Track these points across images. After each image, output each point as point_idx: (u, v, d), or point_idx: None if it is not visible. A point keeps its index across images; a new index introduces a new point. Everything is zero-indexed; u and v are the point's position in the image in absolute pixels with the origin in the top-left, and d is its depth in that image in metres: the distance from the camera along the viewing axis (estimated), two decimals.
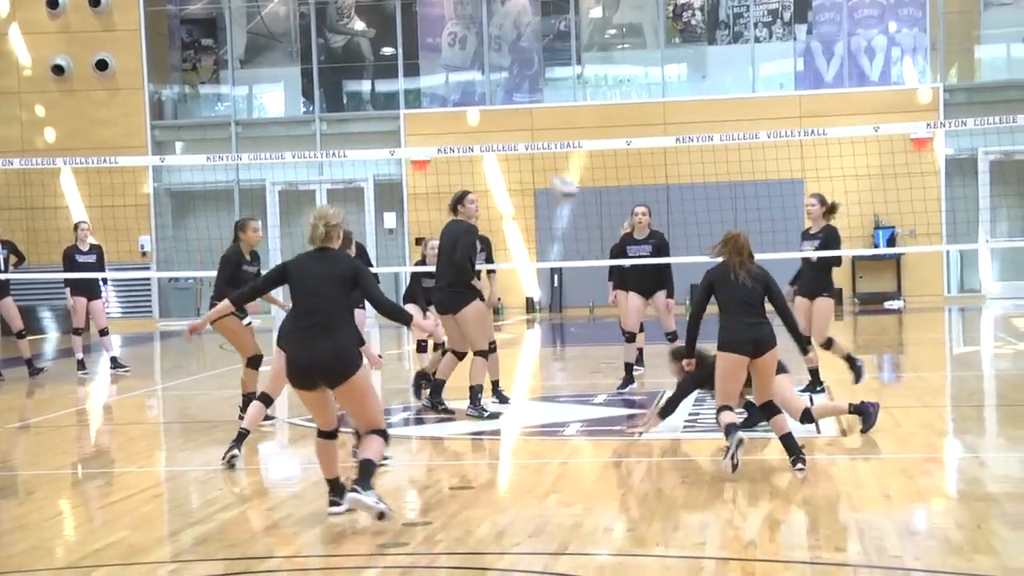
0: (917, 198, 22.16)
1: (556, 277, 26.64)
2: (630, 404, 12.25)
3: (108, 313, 17.25)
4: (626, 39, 29.11)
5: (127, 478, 9.41)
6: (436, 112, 27.99)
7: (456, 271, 11.29)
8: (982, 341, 18.96)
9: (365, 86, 29.75)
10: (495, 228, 25.07)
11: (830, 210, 12.21)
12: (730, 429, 8.51)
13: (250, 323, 11.24)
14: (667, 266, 13.27)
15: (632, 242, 13.27)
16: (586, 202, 24.68)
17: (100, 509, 8.37)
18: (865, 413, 9.88)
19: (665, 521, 7.29)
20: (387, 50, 28.98)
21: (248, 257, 11.23)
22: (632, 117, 25.69)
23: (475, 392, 11.37)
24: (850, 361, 11.83)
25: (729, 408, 8.72)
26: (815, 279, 12.11)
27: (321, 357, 7.27)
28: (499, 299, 11.76)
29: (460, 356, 11.54)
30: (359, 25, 29.44)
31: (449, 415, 11.38)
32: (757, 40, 27.38)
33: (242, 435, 9.51)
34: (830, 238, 12.17)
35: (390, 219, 27.57)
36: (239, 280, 10.80)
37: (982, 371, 14.90)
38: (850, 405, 10.00)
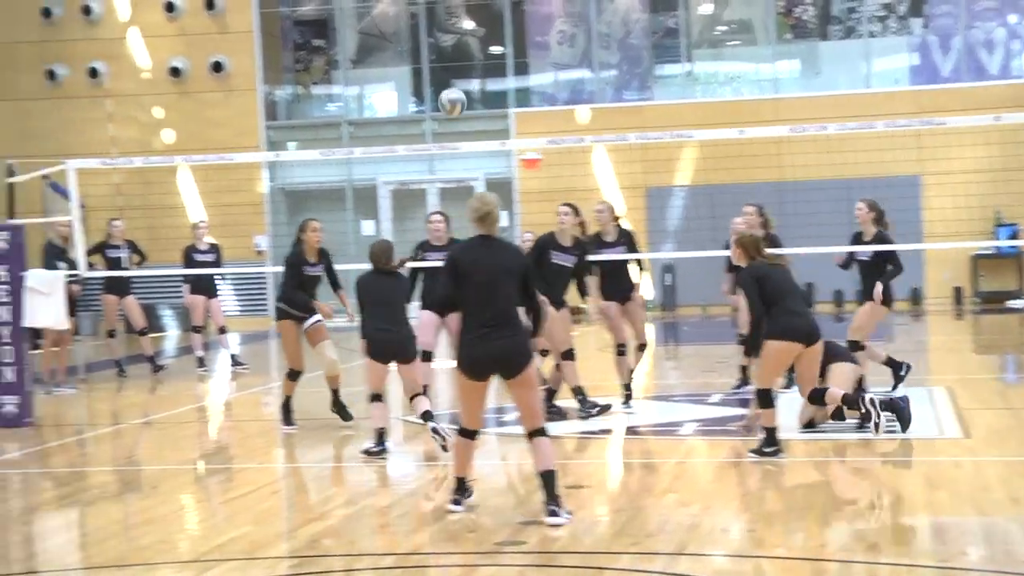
0: None
1: (669, 275, 26.47)
2: (745, 404, 12.11)
3: (225, 311, 17.52)
4: (736, 35, 28.82)
5: (247, 474, 9.55)
6: (545, 110, 27.98)
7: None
8: None
9: (475, 85, 29.83)
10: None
11: (879, 217, 11.90)
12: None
13: (318, 321, 11.22)
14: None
15: None
16: (697, 199, 24.54)
17: (222, 504, 8.50)
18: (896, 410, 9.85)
19: (785, 522, 7.20)
20: (496, 49, 29.05)
21: (312, 259, 11.29)
22: (743, 114, 25.42)
23: (579, 392, 11.33)
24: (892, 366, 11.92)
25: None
26: (869, 284, 11.85)
27: (504, 352, 7.30)
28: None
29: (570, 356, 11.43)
30: (468, 24, 29.55)
31: (561, 417, 11.30)
32: (871, 35, 26.93)
33: (380, 433, 9.67)
34: (883, 244, 11.92)
35: (502, 217, 27.61)
36: (307, 283, 11.00)
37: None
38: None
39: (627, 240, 12.29)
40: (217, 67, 28.01)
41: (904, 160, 21.84)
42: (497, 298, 7.33)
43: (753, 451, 9.08)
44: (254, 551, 6.98)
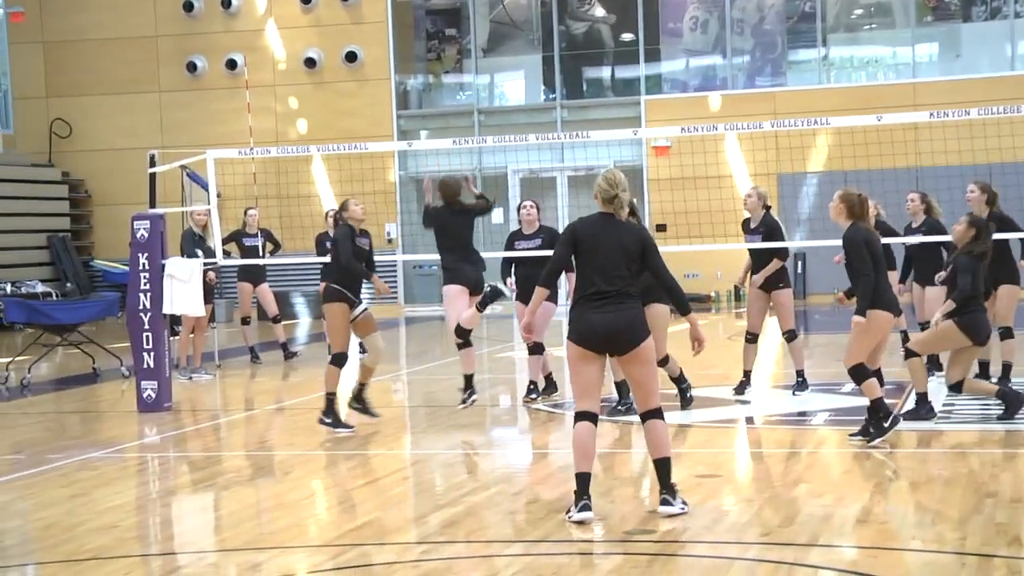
0: None
1: (800, 263, 26.09)
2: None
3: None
4: (874, 18, 28.24)
5: (377, 460, 9.64)
6: (677, 97, 27.76)
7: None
8: None
9: (605, 72, 29.72)
10: (737, 211, 24.72)
11: (992, 199, 11.73)
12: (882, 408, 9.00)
13: (366, 310, 10.88)
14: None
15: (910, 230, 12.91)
16: (831, 186, 24.09)
17: (352, 490, 8.59)
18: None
19: (921, 515, 7.03)
20: (627, 36, 28.89)
21: (359, 232, 10.99)
22: (880, 99, 24.89)
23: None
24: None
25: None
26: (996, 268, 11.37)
27: (620, 323, 7.14)
28: None
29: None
30: (600, 11, 29.44)
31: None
32: (1017, 15, 26.14)
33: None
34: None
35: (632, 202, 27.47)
36: (359, 254, 10.72)
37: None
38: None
39: (766, 229, 12.07)
40: (351, 57, 28.34)
41: None
42: (612, 274, 7.20)
43: (856, 435, 9.07)
44: (384, 536, 7.04)
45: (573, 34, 29.38)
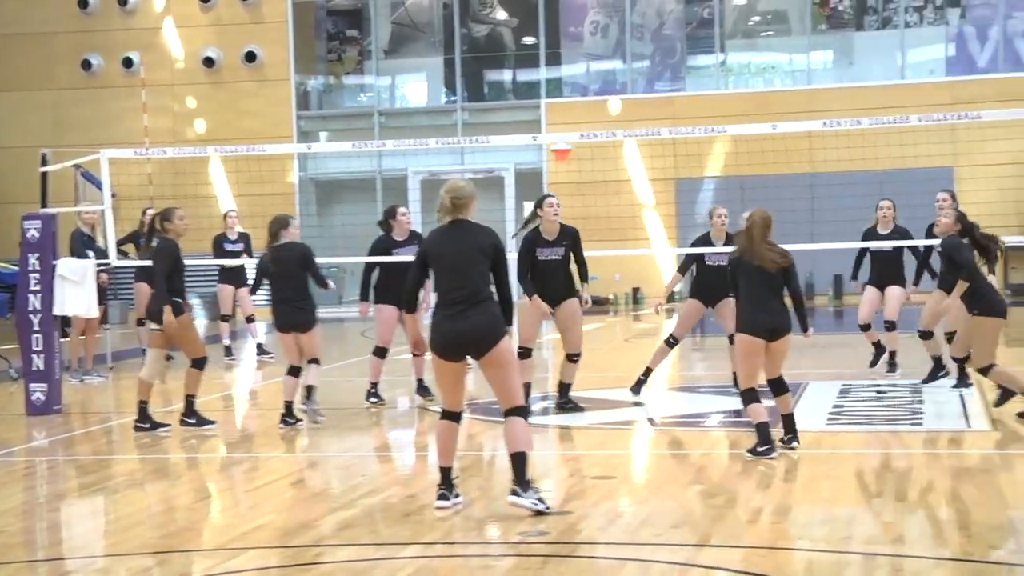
0: None
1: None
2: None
3: (254, 301, 17.58)
4: (771, 26, 28.68)
5: (272, 463, 9.57)
6: (577, 101, 27.94)
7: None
8: None
9: (507, 75, 29.83)
10: (636, 216, 24.97)
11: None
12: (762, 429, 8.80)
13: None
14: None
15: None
16: (728, 192, 24.41)
17: (247, 492, 8.52)
18: None
19: (810, 514, 7.16)
20: (529, 39, 29.02)
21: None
22: (776, 105, 25.29)
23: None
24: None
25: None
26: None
27: (471, 329, 7.24)
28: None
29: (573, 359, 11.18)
30: (502, 14, 29.53)
31: (580, 411, 11.22)
32: (907, 25, 26.73)
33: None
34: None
35: (530, 209, 27.58)
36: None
37: None
38: None
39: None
40: (250, 57, 28.11)
41: (938, 154, 21.63)
42: (464, 279, 7.31)
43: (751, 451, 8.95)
44: (278, 539, 6.99)
45: (475, 37, 29.44)
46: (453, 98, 29.04)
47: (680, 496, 7.78)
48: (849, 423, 10.30)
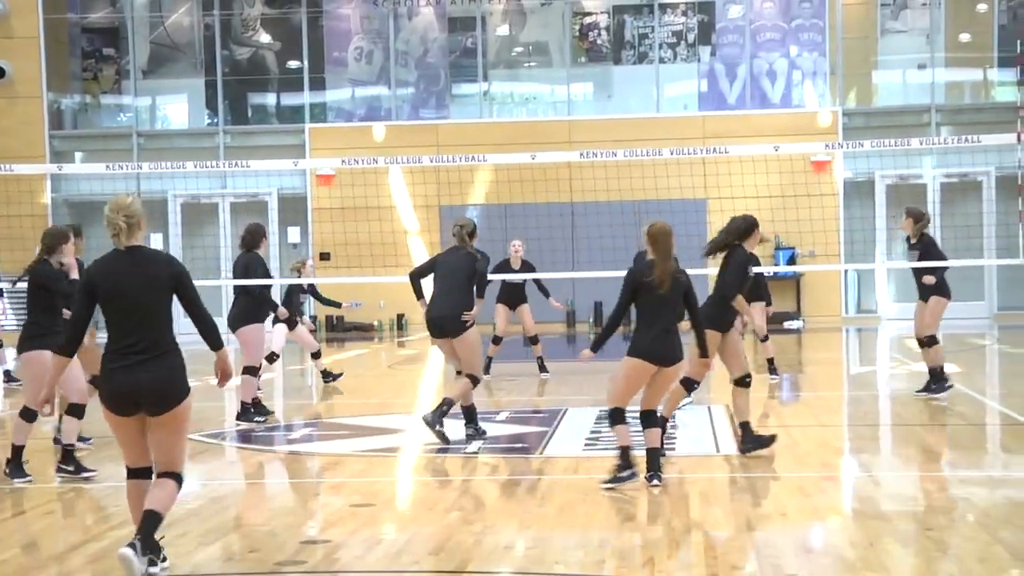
0: (816, 218, 22.54)
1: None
2: (533, 422, 12.28)
3: (3, 325, 16.90)
4: (533, 57, 29.25)
5: (19, 494, 9.22)
6: (342, 127, 27.88)
7: (465, 298, 11.02)
8: (878, 361, 19.32)
9: (270, 99, 29.55)
10: (399, 242, 25.05)
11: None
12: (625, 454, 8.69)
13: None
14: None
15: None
16: (491, 217, 24.75)
17: None
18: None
19: (565, 539, 7.32)
20: (293, 63, 28.83)
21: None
22: (538, 135, 25.79)
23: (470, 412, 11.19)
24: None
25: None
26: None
27: (152, 384, 6.36)
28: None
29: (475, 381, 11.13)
30: (265, 38, 29.24)
31: (483, 436, 11.12)
32: (662, 61, 27.67)
33: None
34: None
35: (294, 233, 27.37)
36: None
37: (877, 391, 15.16)
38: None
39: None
40: None
41: (690, 186, 22.45)
42: (149, 321, 6.41)
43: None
44: (21, 575, 6.75)
45: (237, 59, 29.07)
46: (215, 120, 28.59)
47: (439, 522, 7.85)
48: (605, 448, 10.57)
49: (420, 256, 26.16)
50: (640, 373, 8.76)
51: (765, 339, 15.01)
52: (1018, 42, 25.92)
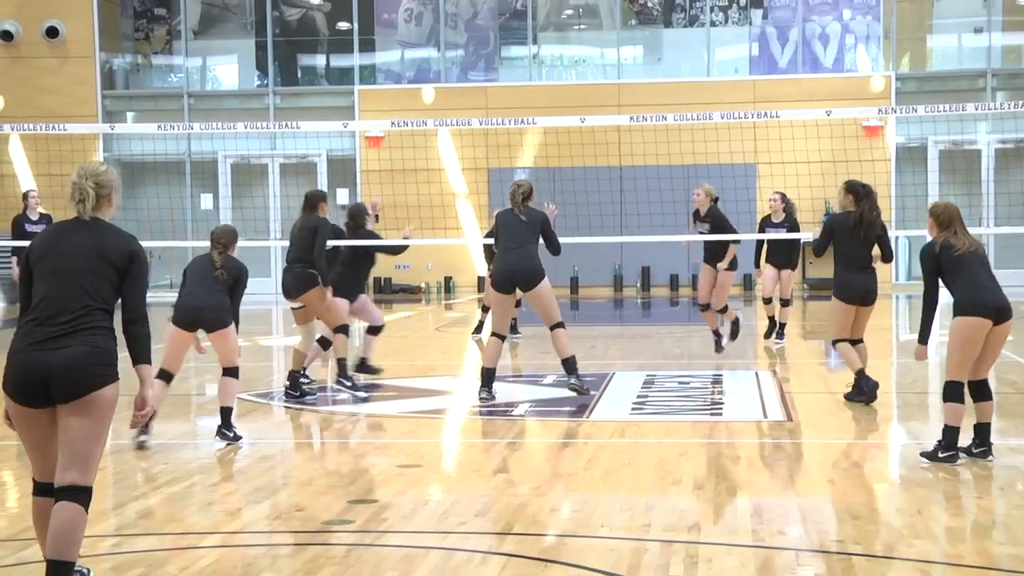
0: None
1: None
2: None
3: None
4: (582, 20, 29.10)
5: None
6: (391, 88, 27.88)
7: (535, 251, 11.38)
8: None
9: (320, 60, 29.58)
10: (448, 205, 25.06)
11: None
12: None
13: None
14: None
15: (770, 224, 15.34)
16: (540, 181, 24.69)
17: None
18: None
19: (611, 503, 7.33)
20: (343, 25, 28.82)
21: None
22: (587, 98, 25.69)
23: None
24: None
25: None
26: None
27: (63, 364, 5.18)
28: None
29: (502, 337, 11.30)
30: None
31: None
32: (713, 24, 27.44)
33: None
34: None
35: (343, 195, 27.46)
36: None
37: (927, 359, 15.00)
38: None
39: (713, 220, 13.85)
40: (52, 32, 27.25)
41: (740, 150, 22.29)
42: (75, 292, 5.30)
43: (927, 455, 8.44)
44: None
45: (287, 20, 29.11)
46: (265, 82, 28.66)
47: (486, 484, 7.87)
48: (652, 412, 10.56)
49: (468, 219, 26.17)
50: (977, 331, 8.60)
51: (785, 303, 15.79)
52: None
